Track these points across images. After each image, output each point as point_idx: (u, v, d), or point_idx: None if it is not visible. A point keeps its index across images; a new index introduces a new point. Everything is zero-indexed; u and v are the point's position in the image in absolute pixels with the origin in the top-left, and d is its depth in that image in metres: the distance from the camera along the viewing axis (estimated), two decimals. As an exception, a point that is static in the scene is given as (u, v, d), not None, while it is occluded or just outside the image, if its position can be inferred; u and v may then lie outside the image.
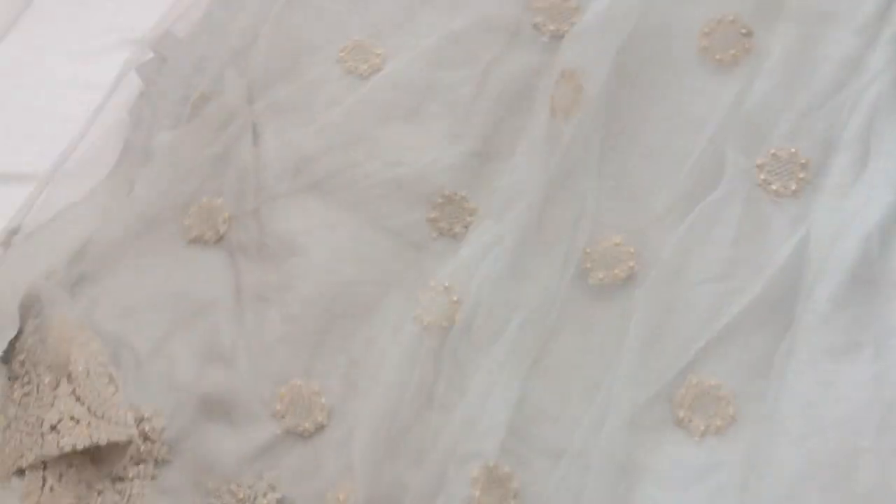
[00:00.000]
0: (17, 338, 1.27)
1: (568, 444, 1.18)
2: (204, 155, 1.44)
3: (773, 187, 1.32)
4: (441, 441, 1.19)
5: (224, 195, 1.42)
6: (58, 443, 1.15)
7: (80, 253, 1.35)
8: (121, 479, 1.21)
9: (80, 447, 1.15)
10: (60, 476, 1.18)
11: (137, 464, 1.22)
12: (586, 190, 1.36)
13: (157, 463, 1.22)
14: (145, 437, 1.22)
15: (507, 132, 1.44)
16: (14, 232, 1.39)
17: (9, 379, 1.25)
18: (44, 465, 1.18)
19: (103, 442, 1.15)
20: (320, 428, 1.24)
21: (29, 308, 1.28)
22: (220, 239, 1.40)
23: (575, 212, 1.35)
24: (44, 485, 1.17)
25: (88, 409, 1.17)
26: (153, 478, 1.22)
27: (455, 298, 1.28)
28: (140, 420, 1.23)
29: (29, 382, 1.23)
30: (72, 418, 1.17)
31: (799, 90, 1.36)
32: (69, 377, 1.20)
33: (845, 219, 1.26)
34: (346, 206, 1.40)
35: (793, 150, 1.33)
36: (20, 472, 1.18)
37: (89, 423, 1.16)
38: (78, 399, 1.18)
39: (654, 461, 1.18)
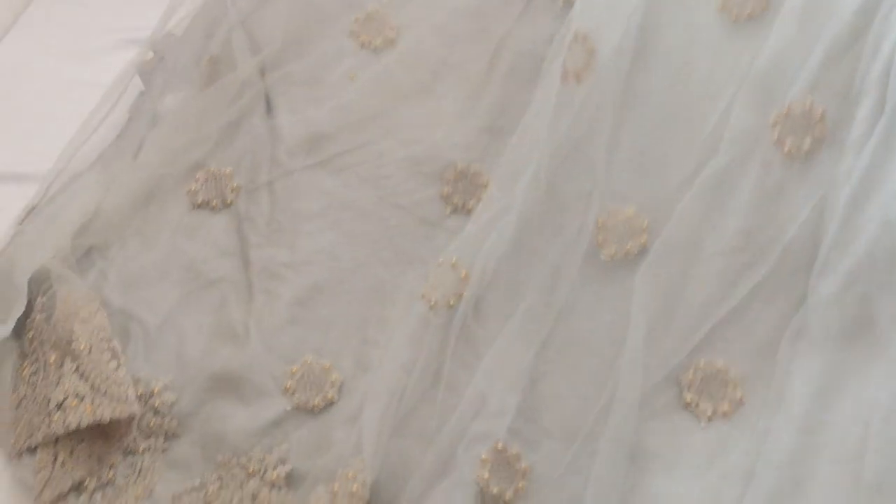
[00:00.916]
0: (27, 315, 1.27)
1: (577, 426, 1.17)
2: (214, 123, 1.42)
3: (786, 147, 1.24)
4: (450, 421, 1.18)
5: (235, 166, 1.41)
6: (64, 421, 1.16)
7: (88, 224, 1.34)
8: (132, 452, 1.21)
9: (84, 425, 1.16)
10: (72, 451, 1.19)
11: (148, 437, 1.22)
12: (598, 159, 1.30)
13: (167, 436, 1.22)
14: (155, 411, 1.22)
15: (519, 106, 1.40)
16: (32, 210, 1.39)
17: (19, 357, 1.25)
18: (55, 440, 1.18)
19: (106, 419, 1.16)
20: (330, 404, 1.23)
21: (39, 285, 1.28)
22: (226, 206, 1.39)
23: (586, 182, 1.30)
24: (55, 460, 1.18)
25: (92, 385, 1.17)
26: (164, 451, 1.22)
27: (462, 274, 1.26)
28: (150, 394, 1.22)
29: (36, 361, 1.23)
30: (76, 396, 1.17)
31: (816, 41, 1.28)
32: (73, 355, 1.20)
33: (863, 184, 1.19)
34: (360, 183, 1.39)
35: (807, 104, 1.25)
36: (32, 450, 1.19)
37: (93, 400, 1.16)
38: (82, 376, 1.18)
39: (661, 447, 1.16)
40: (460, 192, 1.38)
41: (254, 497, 1.18)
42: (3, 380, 1.24)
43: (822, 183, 1.24)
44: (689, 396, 1.20)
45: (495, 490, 1.15)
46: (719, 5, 1.33)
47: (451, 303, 1.25)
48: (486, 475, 1.15)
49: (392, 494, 1.16)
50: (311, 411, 1.23)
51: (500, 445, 1.17)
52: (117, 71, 1.52)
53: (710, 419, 1.19)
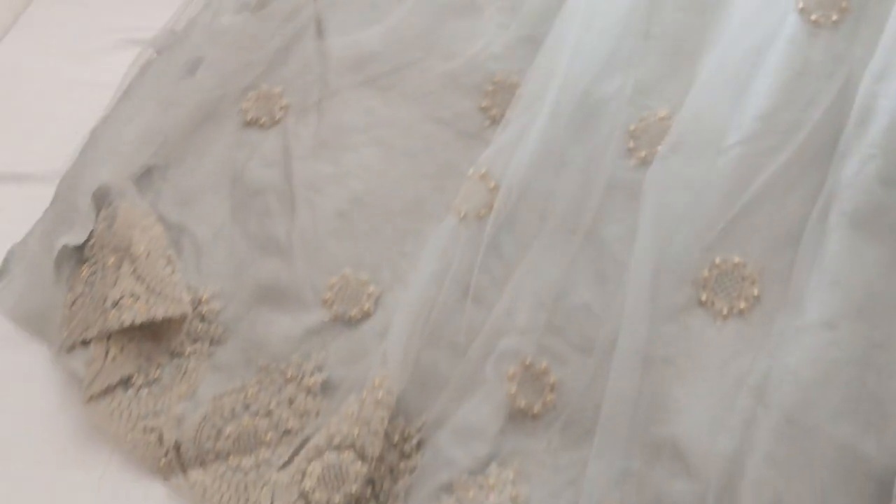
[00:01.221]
0: (88, 226, 1.34)
1: (603, 338, 1.18)
2: (267, 46, 1.47)
3: (814, 17, 1.23)
4: (478, 337, 1.21)
5: (286, 86, 1.46)
6: (119, 317, 1.22)
7: (148, 145, 1.41)
8: (178, 355, 1.27)
9: (138, 322, 1.22)
10: (122, 348, 1.25)
11: (194, 341, 1.28)
12: (633, 55, 1.31)
13: (212, 342, 1.28)
14: (202, 318, 1.28)
15: (558, 14, 1.41)
16: (93, 133, 1.45)
17: (78, 262, 1.31)
18: (108, 337, 1.24)
19: (160, 317, 1.22)
20: (367, 315, 1.27)
21: (101, 199, 1.35)
22: (275, 123, 1.44)
23: (619, 79, 1.30)
24: (107, 355, 1.24)
25: (147, 287, 1.23)
26: (209, 356, 1.27)
27: (492, 185, 1.28)
28: (198, 302, 1.28)
29: (95, 263, 1.29)
30: (132, 295, 1.23)
31: None
32: (131, 258, 1.26)
33: (886, 57, 1.16)
34: (404, 101, 1.42)
35: None
36: (84, 343, 1.25)
37: (147, 299, 1.23)
38: (138, 278, 1.24)
39: (676, 353, 1.16)
40: (499, 104, 1.40)
41: (290, 401, 1.23)
42: (59, 282, 1.31)
43: (848, 60, 1.21)
44: (704, 295, 1.18)
45: (523, 403, 1.18)
46: None
47: (481, 214, 1.27)
48: (514, 390, 1.18)
49: (421, 406, 1.20)
50: (349, 322, 1.27)
51: (527, 361, 1.20)
52: (117, 71, 1.53)
53: (725, 318, 1.17)
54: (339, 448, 1.14)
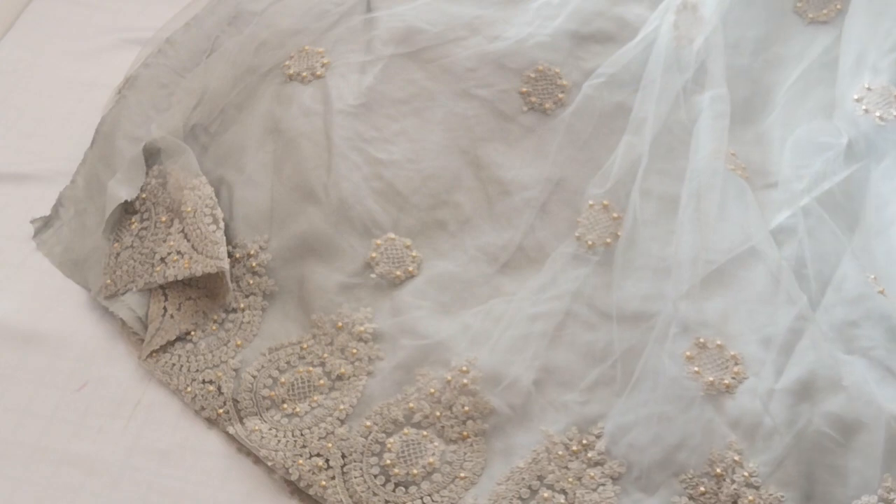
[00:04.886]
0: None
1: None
2: (331, 14, 1.50)
3: (877, 114, 1.34)
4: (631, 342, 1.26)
5: (329, 48, 1.47)
6: (164, 273, 1.26)
7: (190, 100, 1.43)
8: (234, 310, 1.30)
9: (180, 277, 1.25)
10: (179, 306, 1.28)
11: (247, 296, 1.30)
12: (703, 105, 1.38)
13: (265, 295, 1.31)
14: (253, 272, 1.31)
15: (605, 17, 1.46)
16: (130, 79, 1.47)
17: (126, 212, 1.35)
18: (165, 296, 1.29)
19: (198, 273, 1.25)
20: (410, 277, 1.30)
21: (153, 156, 1.38)
22: (316, 78, 1.45)
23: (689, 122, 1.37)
24: (164, 314, 1.28)
25: (192, 245, 1.27)
26: (262, 309, 1.30)
27: (615, 215, 1.32)
28: (247, 256, 1.31)
29: (148, 219, 1.33)
30: (178, 252, 1.27)
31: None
32: (180, 216, 1.29)
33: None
34: (445, 75, 1.44)
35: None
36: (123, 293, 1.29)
37: (190, 257, 1.26)
38: (185, 237, 1.28)
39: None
40: (539, 92, 1.43)
41: (343, 349, 1.25)
42: (106, 231, 1.34)
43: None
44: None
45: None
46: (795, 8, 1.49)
47: (608, 241, 1.31)
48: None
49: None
50: (393, 282, 1.30)
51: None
52: (117, 71, 1.52)
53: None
54: (418, 426, 1.19)
